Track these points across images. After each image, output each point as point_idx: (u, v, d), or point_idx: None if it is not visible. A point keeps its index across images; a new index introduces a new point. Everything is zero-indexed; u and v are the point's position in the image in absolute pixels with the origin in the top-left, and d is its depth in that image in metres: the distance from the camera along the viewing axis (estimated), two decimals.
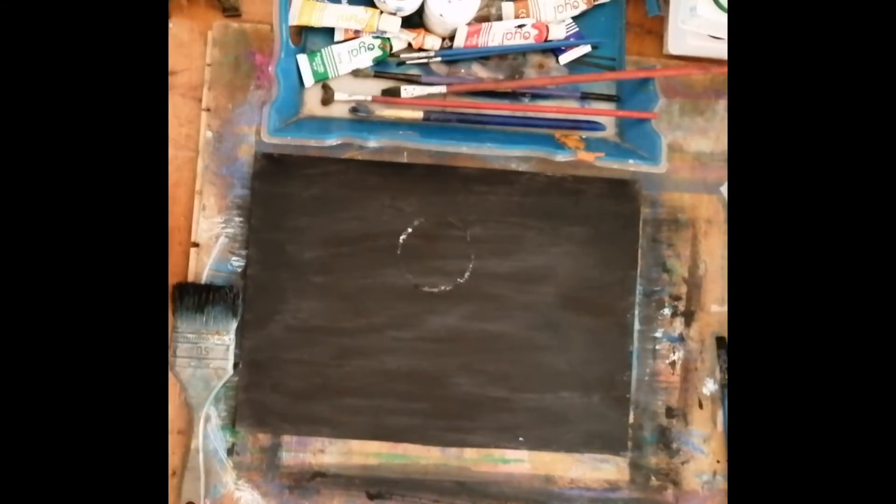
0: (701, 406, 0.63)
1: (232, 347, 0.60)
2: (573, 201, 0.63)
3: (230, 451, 0.60)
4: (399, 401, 0.61)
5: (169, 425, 0.59)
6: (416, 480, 0.61)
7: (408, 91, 0.62)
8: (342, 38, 0.62)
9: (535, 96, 0.63)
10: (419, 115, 0.61)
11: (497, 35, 0.63)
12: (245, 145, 0.62)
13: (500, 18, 0.63)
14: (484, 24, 0.63)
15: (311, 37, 0.63)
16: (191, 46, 0.62)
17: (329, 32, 0.62)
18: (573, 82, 0.63)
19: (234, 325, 0.60)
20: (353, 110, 0.59)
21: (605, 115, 0.63)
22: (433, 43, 0.62)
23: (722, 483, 0.62)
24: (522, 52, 0.63)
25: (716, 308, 0.63)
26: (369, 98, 0.62)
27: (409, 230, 0.62)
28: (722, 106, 0.64)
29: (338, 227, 0.61)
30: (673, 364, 0.63)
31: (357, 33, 0.62)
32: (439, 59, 0.63)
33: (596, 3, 0.64)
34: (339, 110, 0.62)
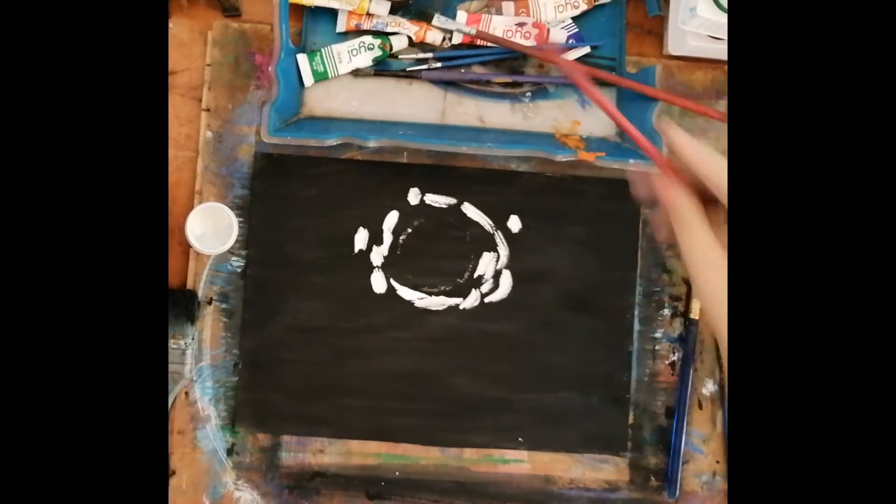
0: (700, 406, 0.63)
1: (189, 353, 0.59)
2: (573, 201, 0.63)
3: (230, 452, 0.60)
4: (399, 401, 0.61)
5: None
6: (415, 480, 0.61)
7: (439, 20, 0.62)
8: (343, 30, 0.62)
9: (535, 94, 0.63)
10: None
11: (497, 29, 0.63)
12: (245, 145, 0.62)
13: None
14: (484, 16, 0.63)
15: (311, 36, 0.63)
16: (191, 46, 0.62)
17: (329, 32, 0.62)
18: (593, 76, 0.63)
19: (190, 329, 0.59)
20: None
21: (609, 81, 0.63)
22: (434, 37, 0.62)
23: (721, 483, 0.62)
24: (523, 53, 0.63)
25: None
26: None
27: (409, 230, 0.62)
28: (722, 106, 0.64)
29: (338, 227, 0.61)
30: (673, 364, 0.63)
31: (358, 28, 0.62)
32: (439, 63, 0.63)
33: (596, 3, 0.64)
34: (338, 110, 0.62)
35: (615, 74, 0.62)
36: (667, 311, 0.63)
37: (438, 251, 0.62)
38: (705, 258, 0.44)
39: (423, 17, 0.62)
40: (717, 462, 0.62)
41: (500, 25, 0.63)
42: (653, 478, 0.62)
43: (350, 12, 0.61)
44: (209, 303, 0.60)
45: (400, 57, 0.63)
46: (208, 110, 0.62)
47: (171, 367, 0.59)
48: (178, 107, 0.62)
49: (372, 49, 0.62)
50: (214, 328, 0.60)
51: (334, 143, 0.60)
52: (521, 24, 0.63)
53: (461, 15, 0.63)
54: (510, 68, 0.64)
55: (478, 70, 0.64)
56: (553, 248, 0.62)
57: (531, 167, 0.63)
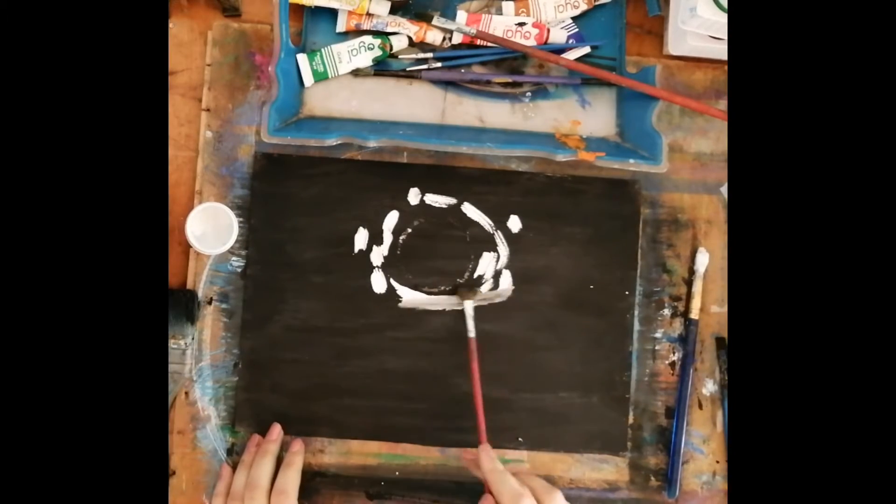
0: (701, 406, 0.63)
1: (189, 353, 0.59)
2: (573, 201, 0.63)
3: (230, 451, 0.60)
4: (399, 401, 0.61)
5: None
6: (415, 480, 0.61)
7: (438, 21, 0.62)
8: (343, 30, 0.62)
9: (535, 94, 0.63)
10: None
11: (497, 29, 0.63)
12: (245, 145, 0.62)
13: None
14: (484, 16, 0.63)
15: (311, 36, 0.63)
16: (191, 46, 0.62)
17: (329, 32, 0.62)
18: (593, 74, 0.63)
19: (190, 329, 0.59)
20: None
21: (610, 80, 0.64)
22: (434, 37, 0.62)
23: (721, 483, 0.62)
24: (523, 53, 0.63)
25: (716, 308, 0.63)
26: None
27: (409, 230, 0.62)
28: (722, 106, 0.64)
29: (338, 227, 0.61)
30: (672, 364, 0.63)
31: (358, 28, 0.62)
32: (439, 63, 0.63)
33: (596, 3, 0.64)
34: (338, 110, 0.62)
35: (615, 74, 0.62)
36: (667, 311, 0.63)
37: (438, 251, 0.62)
38: None
39: (423, 17, 0.62)
40: (717, 462, 0.62)
41: (500, 25, 0.63)
42: (653, 478, 0.62)
43: (350, 12, 0.61)
44: (209, 303, 0.60)
45: (400, 57, 0.63)
46: (208, 110, 0.62)
47: (171, 367, 0.59)
48: (178, 107, 0.62)
49: (372, 49, 0.62)
50: (214, 328, 0.60)
51: (334, 143, 0.60)
52: (521, 24, 0.63)
53: (461, 15, 0.63)
54: (510, 68, 0.64)
55: (478, 70, 0.64)
56: (553, 248, 0.62)
57: (531, 167, 0.63)
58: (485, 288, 0.61)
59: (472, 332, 0.59)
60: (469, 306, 0.60)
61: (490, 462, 0.55)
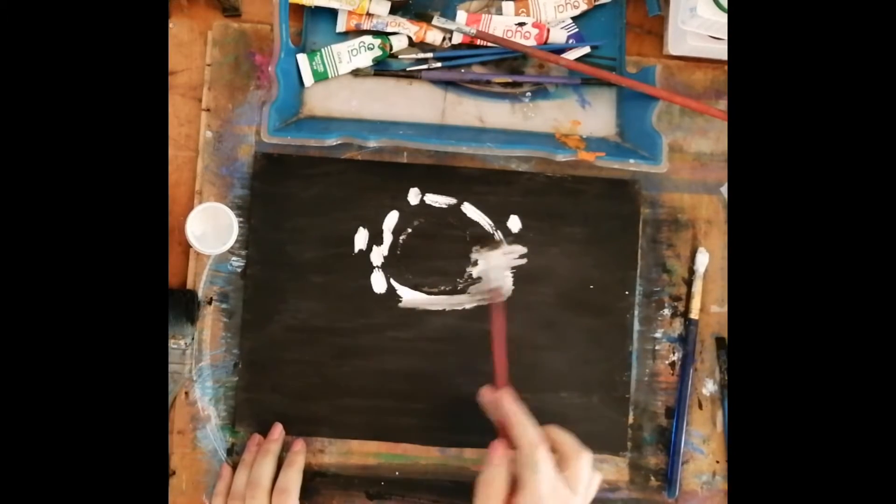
0: (700, 406, 0.63)
1: (189, 353, 0.59)
2: (573, 201, 0.63)
3: (230, 451, 0.60)
4: (398, 401, 0.61)
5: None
6: (415, 480, 0.61)
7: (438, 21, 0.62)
8: (343, 30, 0.62)
9: (535, 94, 0.63)
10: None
11: (497, 29, 0.63)
12: (245, 145, 0.62)
13: None
14: (484, 16, 0.63)
15: (311, 36, 0.63)
16: (191, 46, 0.62)
17: (329, 32, 0.62)
18: (593, 74, 0.63)
19: (190, 329, 0.59)
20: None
21: (611, 80, 0.64)
22: (434, 37, 0.62)
23: (721, 483, 0.62)
24: (523, 53, 0.63)
25: (716, 308, 0.63)
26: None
27: (409, 230, 0.62)
28: (722, 106, 0.64)
29: (338, 227, 0.61)
30: (672, 364, 0.63)
31: (358, 28, 0.62)
32: (439, 63, 0.63)
33: (596, 3, 0.64)
34: (338, 110, 0.62)
35: (615, 74, 0.62)
36: (667, 311, 0.63)
37: (438, 251, 0.62)
38: None
39: (423, 17, 0.62)
40: (717, 462, 0.62)
41: (500, 25, 0.63)
42: (653, 478, 0.62)
43: (350, 12, 0.61)
44: (209, 303, 0.60)
45: (400, 57, 0.63)
46: (208, 110, 0.62)
47: (171, 367, 0.59)
48: (178, 107, 0.62)
49: (372, 49, 0.62)
50: (214, 328, 0.60)
51: (334, 143, 0.60)
52: (521, 24, 0.63)
53: (461, 15, 0.63)
54: (510, 68, 0.64)
55: (478, 70, 0.64)
56: (553, 248, 0.62)
57: (531, 167, 0.63)
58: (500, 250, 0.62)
59: (495, 283, 0.59)
60: (493, 258, 0.60)
61: (512, 405, 0.53)
